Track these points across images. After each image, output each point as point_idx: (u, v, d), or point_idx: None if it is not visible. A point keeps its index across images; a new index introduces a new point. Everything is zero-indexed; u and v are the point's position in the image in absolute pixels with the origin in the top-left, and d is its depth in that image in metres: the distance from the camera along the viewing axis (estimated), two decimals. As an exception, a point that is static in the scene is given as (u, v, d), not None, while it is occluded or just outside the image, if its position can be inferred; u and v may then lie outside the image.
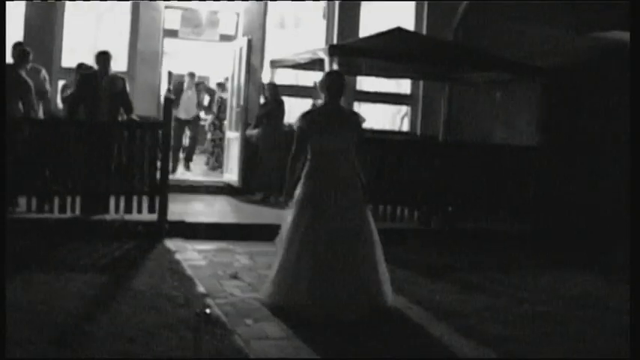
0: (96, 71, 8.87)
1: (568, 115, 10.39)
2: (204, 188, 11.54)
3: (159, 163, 8.56)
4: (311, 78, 11.80)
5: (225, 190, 11.53)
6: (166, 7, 12.37)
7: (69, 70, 10.70)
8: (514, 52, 10.73)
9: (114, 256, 7.08)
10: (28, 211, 8.10)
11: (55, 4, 11.59)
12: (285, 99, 11.39)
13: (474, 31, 11.87)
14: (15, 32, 10.92)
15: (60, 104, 10.66)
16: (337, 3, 12.55)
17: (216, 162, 13.39)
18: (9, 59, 8.99)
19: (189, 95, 12.93)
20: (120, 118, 8.91)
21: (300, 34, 12.82)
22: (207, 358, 4.28)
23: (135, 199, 8.41)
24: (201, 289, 6.03)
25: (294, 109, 10.91)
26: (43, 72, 9.60)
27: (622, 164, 10.24)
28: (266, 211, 9.91)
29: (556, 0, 11.21)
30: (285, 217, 5.71)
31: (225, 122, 12.62)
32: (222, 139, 12.93)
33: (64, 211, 8.16)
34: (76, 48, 11.77)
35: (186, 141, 13.79)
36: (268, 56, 12.19)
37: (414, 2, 12.94)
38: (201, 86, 13.58)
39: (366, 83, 12.91)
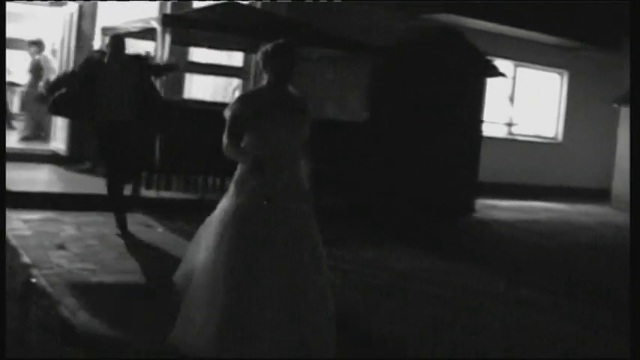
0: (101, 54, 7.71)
1: (395, 94, 10.89)
2: (29, 156, 11.12)
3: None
4: (144, 47, 11.59)
5: (51, 158, 11.16)
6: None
7: None
8: (344, 31, 11.10)
9: None
10: None
11: None
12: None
13: (308, 7, 12.14)
14: None
15: None
16: (173, -28, 12.37)
17: (38, 129, 12.78)
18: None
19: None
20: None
21: (136, 2, 12.52)
22: (33, 328, 4.25)
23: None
24: (26, 259, 5.92)
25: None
26: None
27: (441, 140, 10.99)
28: (94, 181, 9.72)
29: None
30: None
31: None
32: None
33: None
34: None
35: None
36: (100, 23, 11.85)
37: (248, -26, 12.98)
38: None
39: (198, 54, 12.82)
